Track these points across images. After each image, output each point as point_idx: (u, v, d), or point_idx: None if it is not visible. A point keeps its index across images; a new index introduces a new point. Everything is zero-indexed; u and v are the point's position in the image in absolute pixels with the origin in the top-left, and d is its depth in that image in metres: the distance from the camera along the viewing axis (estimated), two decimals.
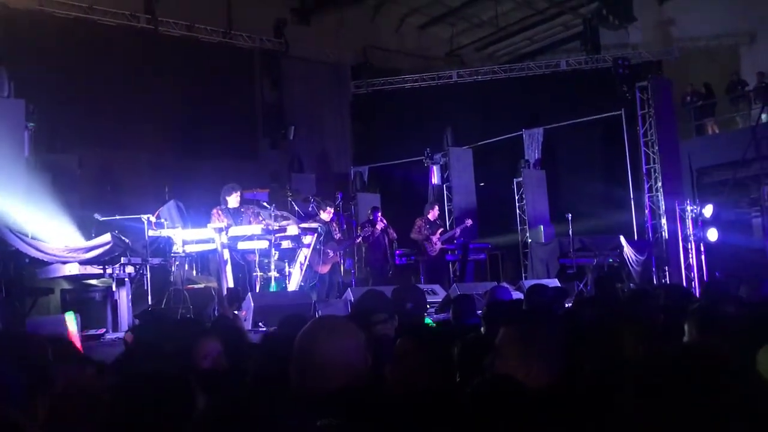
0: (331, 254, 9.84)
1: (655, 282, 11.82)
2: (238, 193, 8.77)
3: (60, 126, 11.59)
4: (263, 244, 8.43)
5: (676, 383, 1.36)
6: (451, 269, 11.94)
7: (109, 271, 7.29)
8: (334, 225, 10.44)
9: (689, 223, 12.44)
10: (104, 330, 7.08)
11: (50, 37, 11.98)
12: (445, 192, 14.77)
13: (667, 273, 12.42)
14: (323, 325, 2.21)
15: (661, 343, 3.40)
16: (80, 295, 7.76)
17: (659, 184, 12.93)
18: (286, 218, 9.83)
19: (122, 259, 7.35)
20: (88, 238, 8.06)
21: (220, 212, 8.55)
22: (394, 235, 10.98)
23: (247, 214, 8.73)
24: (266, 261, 8.62)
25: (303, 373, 2.10)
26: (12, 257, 7.12)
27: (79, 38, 12.51)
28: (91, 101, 12.27)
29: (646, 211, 12.99)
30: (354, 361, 2.11)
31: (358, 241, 10.81)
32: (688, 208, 12.46)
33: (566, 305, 6.56)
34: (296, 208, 11.76)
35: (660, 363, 1.45)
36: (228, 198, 8.70)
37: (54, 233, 7.85)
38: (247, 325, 6.85)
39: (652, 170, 13.05)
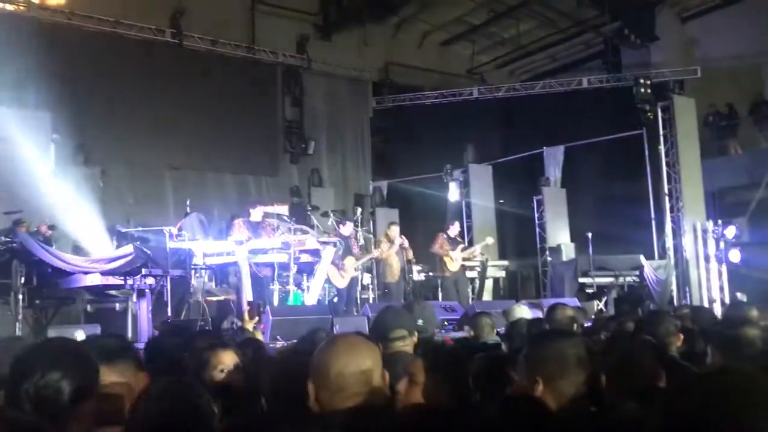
0: (350, 269, 9.85)
1: (675, 303, 11.68)
2: (262, 208, 8.91)
3: (84, 139, 11.76)
4: (282, 258, 8.48)
5: (702, 409, 1.35)
6: (469, 286, 11.89)
7: (130, 282, 7.37)
8: (354, 240, 10.48)
9: (711, 244, 12.30)
10: None
11: (77, 51, 12.18)
12: (464, 209, 14.75)
13: (688, 294, 12.27)
14: (341, 342, 2.20)
15: (681, 365, 3.38)
16: (101, 306, 7.84)
17: (681, 204, 12.80)
18: (305, 232, 9.89)
19: (143, 270, 7.42)
20: (110, 249, 8.16)
21: (242, 224, 8.67)
22: (411, 254, 10.97)
23: (266, 230, 8.82)
24: (285, 274, 8.66)
25: (320, 391, 2.10)
26: (35, 267, 7.21)
27: (105, 52, 12.70)
28: (115, 114, 12.41)
29: (667, 231, 12.87)
30: (372, 380, 2.10)
31: (376, 256, 10.81)
32: (710, 228, 12.33)
33: (585, 325, 6.52)
34: (315, 222, 11.81)
35: (686, 388, 1.44)
36: (252, 211, 8.85)
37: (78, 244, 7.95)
38: (265, 338, 6.87)
39: (674, 190, 12.94)
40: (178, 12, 13.61)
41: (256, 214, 8.88)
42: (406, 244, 10.83)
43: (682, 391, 1.52)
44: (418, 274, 12.44)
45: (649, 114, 13.23)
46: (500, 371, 2.64)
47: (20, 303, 6.99)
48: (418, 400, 2.61)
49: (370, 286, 11.46)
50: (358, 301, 10.46)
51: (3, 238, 7.13)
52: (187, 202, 10.85)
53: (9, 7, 12.01)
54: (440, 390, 2.55)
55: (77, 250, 9.30)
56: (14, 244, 7.07)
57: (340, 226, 10.34)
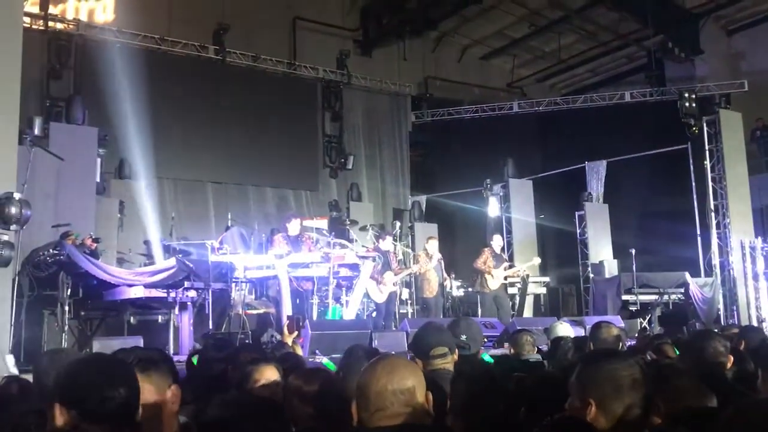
0: (389, 284, 9.83)
1: (722, 322, 11.39)
2: (299, 220, 8.94)
3: (129, 153, 12.01)
4: (322, 272, 8.50)
5: None
6: (509, 303, 11.76)
7: (172, 294, 7.46)
8: (392, 254, 10.46)
9: (760, 262, 11.98)
10: None
11: (123, 67, 12.46)
12: (504, 224, 14.64)
13: (735, 313, 11.95)
14: (382, 362, 2.21)
15: (735, 389, 3.27)
16: (144, 318, 7.96)
17: (727, 220, 12.50)
18: (343, 246, 9.92)
19: (186, 283, 7.51)
20: (153, 262, 8.30)
21: (281, 239, 8.72)
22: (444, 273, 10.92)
23: (306, 243, 8.86)
24: (324, 288, 8.68)
25: (362, 410, 2.10)
26: (81, 279, 7.35)
27: (150, 68, 12.97)
28: (160, 129, 12.62)
29: (713, 248, 12.57)
30: (414, 400, 2.10)
31: (414, 271, 10.77)
32: (759, 245, 12.01)
33: (629, 343, 6.38)
34: (354, 236, 11.84)
35: (743, 414, 1.39)
36: (288, 225, 8.88)
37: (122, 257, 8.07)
38: (304, 352, 6.88)
39: (720, 206, 12.65)
40: (221, 29, 13.85)
41: (293, 227, 8.93)
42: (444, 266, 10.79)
43: (738, 418, 1.47)
44: (457, 290, 12.36)
45: (694, 128, 12.97)
46: (544, 391, 2.59)
47: (66, 314, 7.13)
48: (464, 419, 2.58)
49: (409, 301, 11.42)
50: (397, 316, 10.42)
51: (51, 250, 7.29)
52: (229, 216, 10.98)
53: (59, 25, 12.39)
54: (485, 409, 2.51)
55: (121, 262, 9.48)
56: (61, 257, 7.22)
57: (379, 240, 10.33)
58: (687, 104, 13.04)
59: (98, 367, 1.93)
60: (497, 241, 11.38)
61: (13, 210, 6.14)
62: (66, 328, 7.07)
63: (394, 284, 10.00)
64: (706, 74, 15.65)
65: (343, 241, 10.62)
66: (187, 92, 13.35)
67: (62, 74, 12.08)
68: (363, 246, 11.17)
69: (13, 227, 6.29)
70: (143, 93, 12.25)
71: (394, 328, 9.36)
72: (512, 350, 5.11)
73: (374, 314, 9.76)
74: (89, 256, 7.56)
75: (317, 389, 2.88)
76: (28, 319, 7.14)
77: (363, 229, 12.42)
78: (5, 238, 6.24)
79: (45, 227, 8.44)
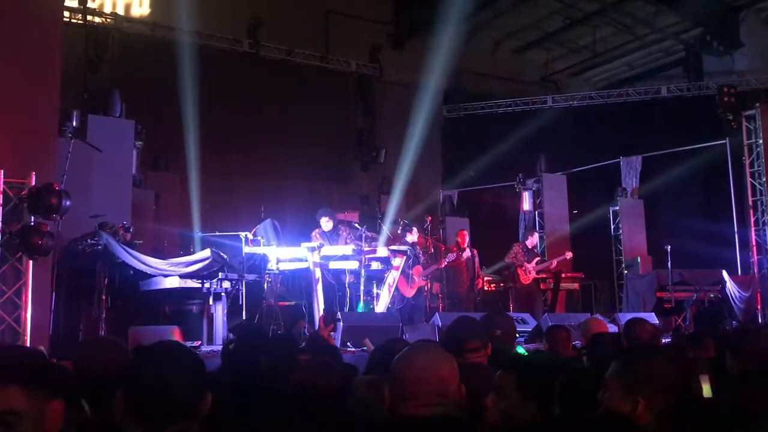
0: (417, 279, 9.83)
1: (759, 320, 11.17)
2: (327, 218, 9.03)
3: (165, 146, 12.15)
4: (353, 265, 8.55)
5: None
6: (542, 298, 11.67)
7: (207, 285, 7.54)
8: (421, 248, 10.45)
9: None
10: (199, 342, 7.33)
11: (159, 61, 12.60)
12: (536, 219, 14.52)
13: None
14: (418, 350, 2.21)
15: None
16: (178, 308, 8.06)
17: (766, 217, 12.26)
18: (374, 240, 9.94)
19: (220, 274, 7.59)
20: (188, 253, 8.40)
21: (317, 235, 8.82)
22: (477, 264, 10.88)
23: (342, 235, 8.93)
24: (355, 282, 8.72)
25: (395, 397, 2.11)
26: (118, 269, 7.47)
27: (185, 62, 13.06)
28: (194, 122, 12.72)
29: (752, 246, 12.33)
30: (447, 390, 2.10)
31: (444, 265, 10.74)
32: None
33: (664, 341, 6.30)
34: (385, 230, 11.84)
35: None
36: (320, 221, 8.99)
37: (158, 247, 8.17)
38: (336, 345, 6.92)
39: (759, 203, 12.41)
40: (255, 22, 13.92)
41: (325, 224, 9.03)
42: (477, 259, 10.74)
43: None
44: (488, 285, 12.31)
45: (732, 124, 12.74)
46: (585, 387, 2.56)
47: (103, 303, 7.25)
48: (503, 414, 2.57)
49: (439, 295, 11.39)
50: (428, 310, 10.41)
51: (89, 240, 7.41)
52: (262, 209, 11.06)
53: (97, 19, 12.58)
54: (525, 406, 2.50)
55: (156, 253, 9.60)
56: (99, 247, 7.33)
57: (407, 233, 10.33)
58: (725, 99, 12.81)
59: (161, 357, 1.83)
60: (532, 239, 11.30)
61: (54, 200, 6.25)
62: (103, 317, 7.19)
63: (424, 278, 9.99)
64: (745, 68, 15.32)
65: (375, 235, 10.63)
66: (222, 85, 13.45)
67: (100, 67, 12.24)
68: (393, 240, 11.17)
69: (53, 217, 6.42)
70: (178, 86, 12.37)
71: (424, 322, 9.36)
72: (547, 346, 5.07)
73: (404, 308, 9.76)
74: (125, 246, 7.67)
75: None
76: (66, 308, 7.28)
77: (394, 222, 12.41)
78: (45, 228, 6.37)
79: (83, 218, 8.59)
